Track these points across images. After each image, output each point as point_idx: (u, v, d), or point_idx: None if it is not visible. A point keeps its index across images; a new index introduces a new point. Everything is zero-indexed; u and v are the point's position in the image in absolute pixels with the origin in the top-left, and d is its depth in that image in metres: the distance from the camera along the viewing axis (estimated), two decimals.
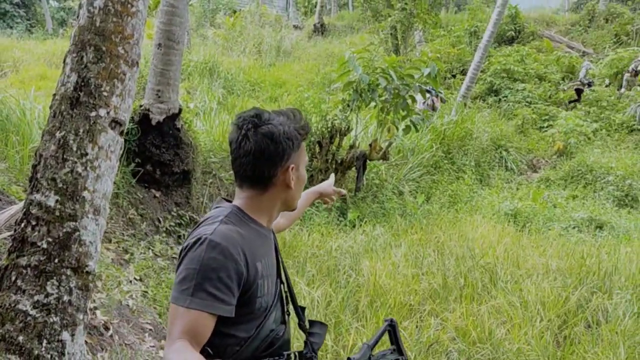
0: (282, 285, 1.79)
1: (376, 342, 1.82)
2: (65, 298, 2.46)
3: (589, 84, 16.74)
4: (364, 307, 5.03)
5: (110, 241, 6.17)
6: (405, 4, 15.73)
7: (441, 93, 14.25)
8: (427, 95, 13.63)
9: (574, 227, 9.37)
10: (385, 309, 4.93)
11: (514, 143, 14.01)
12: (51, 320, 2.43)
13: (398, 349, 1.86)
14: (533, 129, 15.09)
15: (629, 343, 4.48)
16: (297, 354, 1.68)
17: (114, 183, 6.69)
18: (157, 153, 6.89)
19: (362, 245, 6.87)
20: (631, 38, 19.39)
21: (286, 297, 1.81)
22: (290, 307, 1.85)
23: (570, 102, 16.41)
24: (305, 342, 1.72)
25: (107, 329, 4.37)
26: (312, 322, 1.80)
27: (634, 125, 14.72)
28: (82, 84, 2.56)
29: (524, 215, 9.80)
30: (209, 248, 1.52)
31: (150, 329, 4.95)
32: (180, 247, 6.15)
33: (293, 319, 1.84)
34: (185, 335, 1.45)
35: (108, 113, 2.60)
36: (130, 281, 5.62)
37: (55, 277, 2.44)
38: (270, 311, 1.68)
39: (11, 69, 16.61)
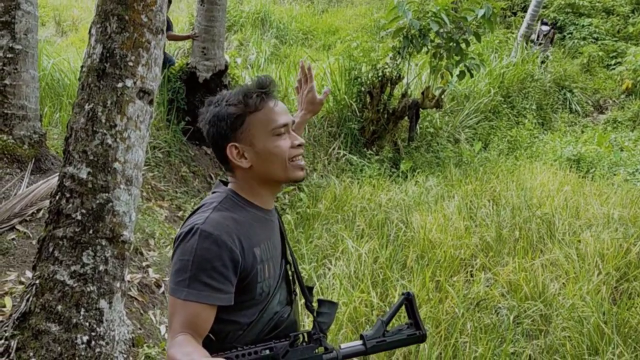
0: (287, 266, 1.75)
1: (391, 317, 1.75)
2: (102, 267, 2.53)
3: None
4: (412, 262, 4.98)
5: (163, 199, 6.32)
6: None
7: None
8: (546, 27, 13.26)
9: None
10: (434, 264, 4.87)
11: (579, 83, 13.31)
12: (88, 289, 2.50)
13: (415, 323, 1.77)
14: (600, 67, 14.26)
15: None
16: (304, 334, 1.65)
17: (165, 142, 6.81)
18: None
19: (413, 197, 6.76)
20: None
21: (292, 278, 1.78)
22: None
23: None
24: (313, 323, 1.68)
25: (158, 286, 4.51)
26: (321, 301, 1.76)
27: None
28: (108, 55, 2.55)
29: (587, 160, 9.39)
30: (202, 238, 1.48)
31: None
32: None
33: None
34: (185, 328, 1.45)
35: (135, 83, 2.59)
36: None
37: (90, 248, 2.50)
38: (273, 294, 1.64)
39: (70, 28, 16.94)
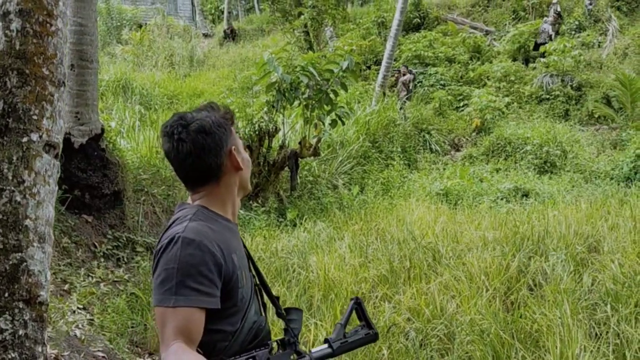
0: (253, 278, 1.81)
1: (347, 320, 1.91)
2: (21, 332, 2.36)
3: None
4: (319, 302, 5.07)
5: None
6: (316, 1, 15.88)
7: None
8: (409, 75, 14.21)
9: (502, 198, 9.79)
10: (340, 300, 4.99)
11: (435, 125, 14.45)
12: (9, 356, 2.32)
13: (367, 324, 1.95)
14: (450, 110, 15.61)
15: (571, 299, 4.74)
16: (278, 342, 1.71)
17: None
18: (84, 177, 6.66)
19: (306, 242, 6.91)
20: (528, 12, 20.40)
21: (259, 289, 1.83)
22: (266, 298, 1.88)
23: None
24: (286, 329, 1.75)
25: None
26: (287, 310, 1.84)
27: (542, 95, 15.51)
28: (10, 110, 2.45)
29: (454, 193, 10.15)
30: (184, 245, 1.52)
31: (103, 357, 4.81)
32: (121, 270, 5.97)
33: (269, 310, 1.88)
34: (178, 335, 1.45)
35: (41, 137, 2.50)
36: (74, 311, 5.43)
37: (7, 312, 2.33)
38: (250, 302, 1.70)
39: None
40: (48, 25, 2.56)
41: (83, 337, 4.89)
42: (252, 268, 1.81)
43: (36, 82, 2.51)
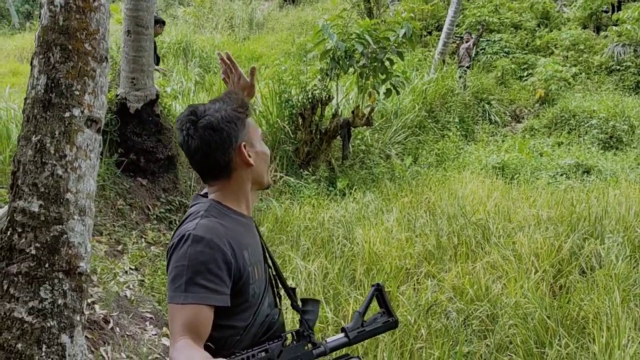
0: (269, 270, 1.80)
1: (366, 308, 1.87)
2: (60, 301, 2.46)
3: None
4: (361, 276, 5.07)
5: (101, 234, 6.14)
6: None
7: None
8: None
9: (561, 175, 9.45)
10: (382, 275, 4.97)
11: (496, 95, 14.01)
12: (48, 324, 2.42)
13: (387, 311, 1.91)
14: (513, 79, 15.07)
15: (623, 286, 4.56)
16: (294, 333, 1.70)
17: (99, 175, 6.65)
18: (139, 141, 6.83)
19: (354, 213, 6.89)
20: None
21: (275, 280, 1.83)
22: (282, 290, 1.87)
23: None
24: (301, 321, 1.75)
25: (107, 322, 4.38)
26: (304, 301, 1.83)
27: (612, 66, 14.74)
28: (53, 85, 2.50)
29: (511, 167, 9.86)
30: (194, 243, 1.53)
31: (151, 317, 4.98)
32: (171, 233, 6.12)
33: (285, 302, 1.87)
34: (186, 332, 1.47)
35: (82, 112, 2.55)
36: (126, 272, 5.62)
37: (47, 282, 2.43)
38: (263, 297, 1.70)
39: None
40: (91, 0, 2.58)
41: (133, 298, 5.06)
42: (267, 259, 1.81)
43: (79, 58, 2.55)
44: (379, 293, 1.93)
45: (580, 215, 6.32)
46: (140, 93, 6.71)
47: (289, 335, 1.70)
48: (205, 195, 1.77)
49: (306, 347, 1.67)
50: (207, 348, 1.54)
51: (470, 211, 6.69)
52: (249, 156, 1.69)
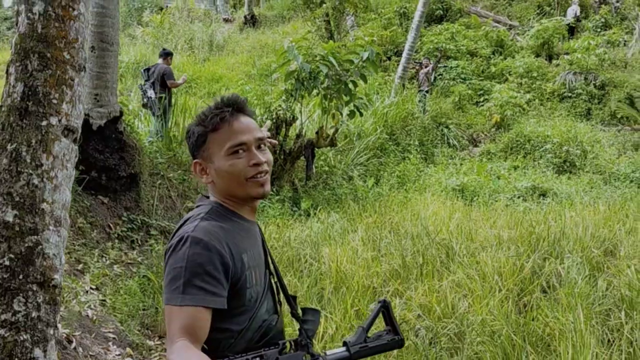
0: (271, 276, 1.79)
1: (371, 323, 1.82)
2: (34, 314, 2.37)
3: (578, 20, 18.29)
4: (329, 294, 5.06)
5: None
6: None
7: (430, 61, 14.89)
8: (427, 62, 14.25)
9: (518, 197, 9.69)
10: (350, 293, 4.98)
11: (454, 119, 14.33)
12: (21, 338, 2.34)
13: (393, 329, 1.86)
14: (470, 104, 15.47)
15: (585, 304, 4.68)
16: (292, 342, 1.68)
17: None
18: (101, 158, 6.70)
19: (319, 233, 6.89)
20: (553, 8, 20.12)
21: (276, 287, 1.82)
22: (282, 297, 1.85)
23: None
24: (300, 330, 1.73)
25: (70, 341, 4.25)
26: (304, 310, 1.81)
27: (564, 93, 15.32)
28: (30, 93, 2.45)
29: (470, 189, 10.06)
30: (193, 244, 1.52)
31: (114, 338, 4.85)
32: (134, 252, 6.00)
33: (286, 309, 1.85)
34: (184, 334, 1.45)
35: (60, 121, 2.50)
36: (87, 291, 5.48)
37: (21, 294, 2.35)
38: (261, 302, 1.69)
39: None
40: (70, 9, 2.55)
41: (95, 318, 4.93)
42: (270, 265, 1.80)
43: (57, 66, 2.51)
44: (386, 310, 1.86)
45: (539, 236, 6.48)
46: (103, 110, 6.61)
47: (287, 344, 1.67)
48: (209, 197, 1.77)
49: (304, 358, 1.65)
50: (201, 349, 1.52)
51: (434, 231, 6.78)
52: (205, 173, 1.70)
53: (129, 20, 24.53)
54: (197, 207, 1.73)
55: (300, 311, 1.82)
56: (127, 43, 19.97)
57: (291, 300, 1.83)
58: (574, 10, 18.75)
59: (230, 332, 1.61)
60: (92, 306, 5.22)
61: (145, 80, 9.76)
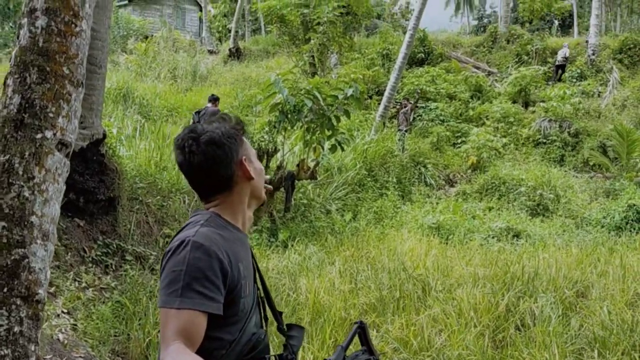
0: (258, 291, 1.81)
1: (349, 343, 1.86)
2: (16, 329, 2.34)
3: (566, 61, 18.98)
4: (307, 325, 5.05)
5: None
6: (326, 27, 16.09)
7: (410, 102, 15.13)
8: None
9: (493, 237, 9.83)
10: (329, 324, 4.97)
11: (431, 159, 14.56)
12: (2, 353, 2.29)
13: (369, 349, 1.92)
14: (448, 146, 15.76)
15: (559, 342, 4.74)
16: (277, 357, 1.71)
17: None
18: (80, 180, 6.63)
19: (296, 264, 6.90)
20: (531, 57, 20.74)
21: (263, 302, 1.84)
22: (269, 312, 1.88)
23: (556, 80, 18.46)
24: (285, 345, 1.75)
25: None
26: (289, 326, 1.85)
27: (539, 139, 15.70)
28: (27, 105, 2.47)
29: (446, 227, 10.18)
30: (193, 249, 1.55)
31: None
32: (108, 277, 5.92)
33: (271, 325, 1.87)
34: (179, 336, 1.46)
35: (54, 135, 2.52)
36: (59, 315, 5.37)
37: (4, 307, 2.32)
38: (251, 314, 1.71)
39: None
40: (73, 25, 2.59)
41: (66, 342, 4.84)
42: (257, 280, 1.83)
43: (56, 80, 2.54)
44: (362, 331, 1.93)
45: (514, 275, 6.57)
46: (86, 132, 6.58)
47: (272, 358, 1.70)
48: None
49: None
50: None
51: (410, 266, 6.84)
52: (250, 169, 1.74)
53: (114, 47, 24.59)
54: (194, 215, 1.76)
55: (285, 327, 1.85)
56: (111, 69, 19.96)
57: (278, 315, 1.86)
58: (564, 52, 19.50)
59: (222, 342, 1.62)
60: (63, 330, 5.13)
61: (197, 122, 10.11)
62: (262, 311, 1.83)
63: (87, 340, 5.16)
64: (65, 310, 5.52)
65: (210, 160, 1.67)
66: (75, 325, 5.38)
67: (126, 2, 30.02)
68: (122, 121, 14.07)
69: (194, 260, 1.53)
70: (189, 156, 1.68)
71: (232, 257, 1.61)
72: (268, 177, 2.19)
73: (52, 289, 5.87)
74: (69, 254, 6.63)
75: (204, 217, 1.70)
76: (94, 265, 6.67)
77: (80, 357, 4.79)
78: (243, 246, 1.76)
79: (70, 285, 5.96)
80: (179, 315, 1.48)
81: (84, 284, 6.21)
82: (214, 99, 11.49)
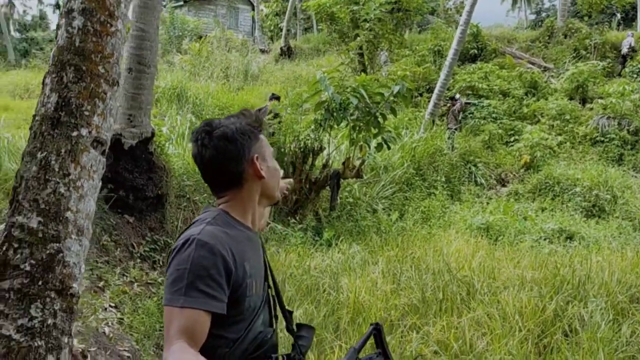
0: (269, 289, 1.80)
1: (362, 345, 1.84)
2: (50, 321, 2.41)
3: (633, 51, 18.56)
4: (346, 324, 5.02)
5: None
6: (374, 24, 16.00)
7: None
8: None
9: (545, 239, 9.54)
10: (367, 325, 4.93)
11: (482, 158, 14.26)
12: (36, 344, 2.37)
13: (384, 352, 1.89)
14: (500, 144, 15.39)
15: (607, 349, 4.56)
16: (285, 356, 1.69)
17: None
18: (130, 178, 6.81)
19: (339, 263, 6.87)
20: (590, 52, 20.01)
21: (273, 301, 1.83)
22: (279, 311, 1.87)
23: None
24: (293, 345, 1.74)
25: (84, 356, 4.28)
26: (299, 326, 1.83)
27: (596, 137, 15.14)
28: (63, 103, 2.54)
29: (495, 228, 9.95)
30: (198, 247, 1.54)
31: (128, 356, 4.87)
32: (155, 272, 6.04)
33: (281, 323, 1.86)
34: (182, 335, 1.46)
35: (90, 132, 2.58)
36: (106, 308, 5.52)
37: (39, 300, 2.39)
38: (258, 313, 1.70)
39: None
40: (108, 25, 2.65)
41: (111, 335, 4.96)
42: (269, 278, 1.81)
43: (91, 79, 2.60)
44: (378, 332, 1.90)
45: (563, 279, 6.35)
46: (135, 130, 6.75)
47: (280, 357, 1.69)
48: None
49: None
50: None
51: (455, 268, 6.71)
52: (261, 169, 1.73)
53: (169, 47, 25.17)
54: (204, 213, 1.76)
55: (295, 327, 1.83)
56: (165, 69, 20.46)
57: (287, 314, 1.84)
58: (629, 42, 18.96)
59: (225, 340, 1.61)
60: (110, 323, 5.26)
61: None
62: (272, 310, 1.82)
63: (133, 334, 5.29)
64: (113, 304, 5.67)
65: (221, 155, 1.67)
66: (122, 319, 5.52)
67: (181, 3, 30.69)
68: (176, 120, 14.37)
69: (199, 258, 1.53)
70: (201, 149, 1.68)
71: (237, 256, 1.60)
72: (289, 179, 2.18)
73: (101, 283, 6.05)
74: (118, 249, 6.82)
75: (211, 215, 1.70)
76: (142, 261, 6.83)
77: (125, 350, 4.91)
78: (252, 244, 1.74)
79: (118, 279, 6.12)
80: (182, 314, 1.48)
81: (131, 279, 6.37)
82: (274, 98, 11.81)
